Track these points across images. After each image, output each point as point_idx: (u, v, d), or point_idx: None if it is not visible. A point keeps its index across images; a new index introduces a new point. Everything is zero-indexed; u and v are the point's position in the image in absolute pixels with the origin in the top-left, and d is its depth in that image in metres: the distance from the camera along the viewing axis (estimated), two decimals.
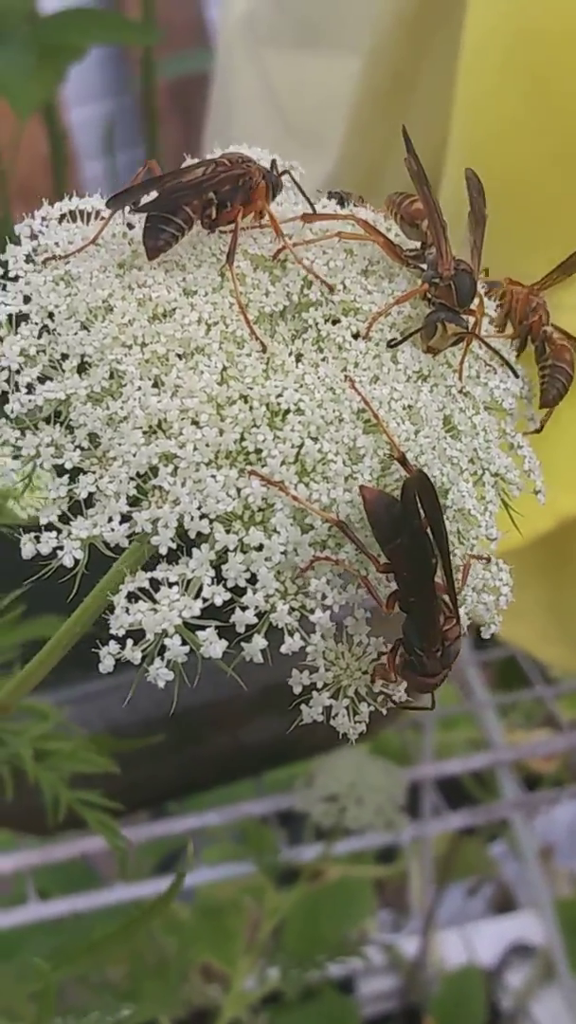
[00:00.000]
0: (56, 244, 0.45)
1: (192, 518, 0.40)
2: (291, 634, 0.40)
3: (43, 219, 0.46)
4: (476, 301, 0.46)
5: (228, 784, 1.21)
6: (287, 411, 0.41)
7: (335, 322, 0.44)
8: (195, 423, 0.40)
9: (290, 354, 0.43)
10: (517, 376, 0.48)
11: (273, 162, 0.48)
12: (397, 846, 1.45)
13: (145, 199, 0.45)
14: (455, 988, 1.42)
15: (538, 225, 0.81)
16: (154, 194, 0.45)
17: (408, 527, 0.40)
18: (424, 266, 0.46)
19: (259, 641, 0.40)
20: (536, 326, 0.50)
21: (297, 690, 0.42)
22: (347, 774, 1.08)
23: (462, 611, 0.43)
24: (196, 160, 0.47)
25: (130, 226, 0.46)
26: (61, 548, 0.40)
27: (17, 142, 1.03)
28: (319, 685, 0.42)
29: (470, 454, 0.44)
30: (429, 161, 0.83)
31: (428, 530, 0.40)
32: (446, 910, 1.53)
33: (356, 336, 0.44)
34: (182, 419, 0.40)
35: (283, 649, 0.40)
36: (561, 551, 0.93)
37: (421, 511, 0.40)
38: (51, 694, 0.97)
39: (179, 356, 0.42)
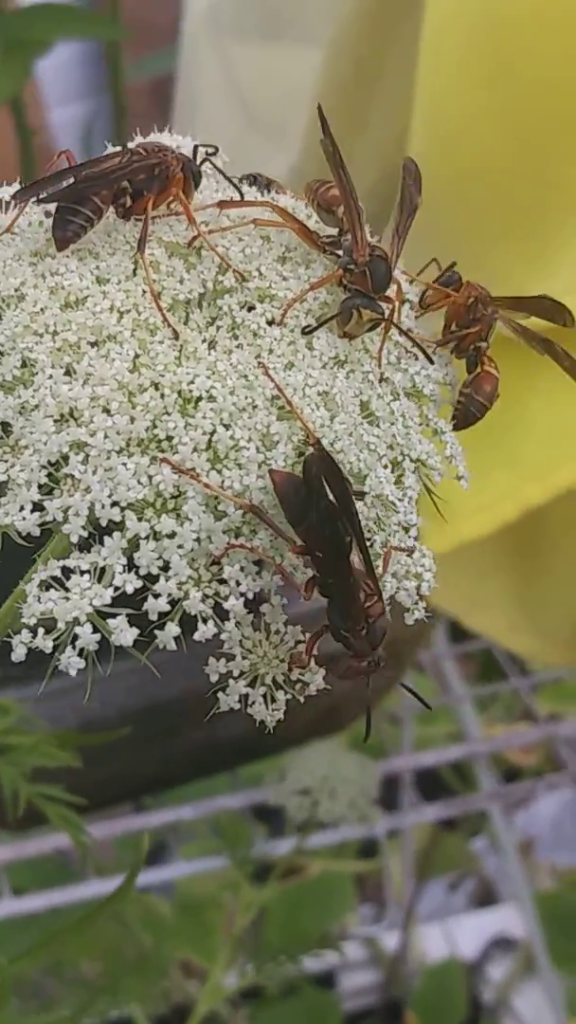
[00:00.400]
0: None
1: (103, 506, 0.39)
2: (204, 621, 0.40)
3: None
4: (394, 288, 0.46)
5: (203, 779, 1.21)
6: (199, 398, 0.41)
7: (250, 309, 0.44)
8: (106, 411, 0.40)
9: (203, 341, 0.43)
10: (432, 363, 0.47)
11: (195, 149, 0.48)
12: (378, 841, 1.46)
13: (55, 189, 0.44)
14: (436, 982, 1.42)
15: (502, 212, 0.81)
16: (68, 183, 0.44)
17: (315, 505, 0.39)
18: (340, 252, 0.46)
19: (172, 629, 0.40)
20: (469, 338, 0.49)
21: (214, 678, 0.41)
22: (320, 767, 1.08)
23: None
24: (114, 149, 0.47)
25: (48, 214, 0.46)
26: None
27: None
28: (235, 673, 0.41)
29: (388, 440, 0.44)
30: (394, 153, 0.83)
31: (338, 508, 0.40)
32: (428, 905, 1.54)
33: (271, 323, 0.44)
34: (93, 407, 0.40)
35: (196, 636, 0.40)
36: (529, 543, 0.93)
37: (327, 489, 0.39)
38: (21, 690, 0.97)
39: (91, 344, 0.42)
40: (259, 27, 1.00)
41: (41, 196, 0.44)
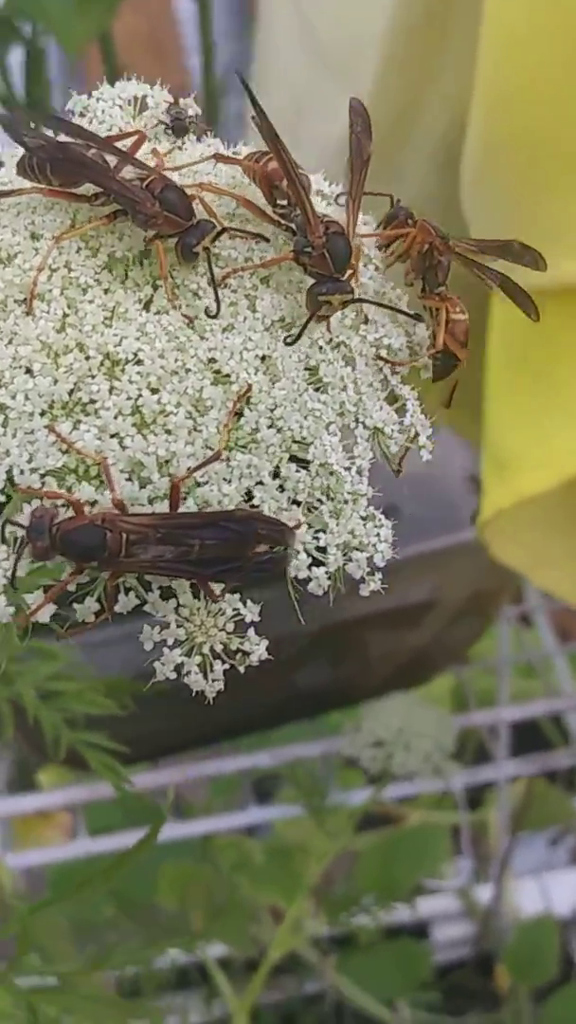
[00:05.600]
0: None
1: (22, 471, 0.38)
2: (126, 592, 0.39)
3: None
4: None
5: (282, 727, 1.21)
6: (126, 360, 0.39)
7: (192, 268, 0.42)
8: (28, 372, 0.39)
9: (138, 301, 0.41)
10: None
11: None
12: (479, 794, 1.45)
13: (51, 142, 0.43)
14: (529, 937, 1.40)
15: (564, 166, 0.77)
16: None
17: None
18: (293, 226, 0.43)
19: (91, 604, 0.39)
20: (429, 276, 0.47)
21: (148, 647, 0.40)
22: (396, 720, 1.07)
23: (322, 571, 0.41)
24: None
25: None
26: None
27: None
28: (170, 642, 0.40)
29: (337, 407, 0.42)
30: (465, 101, 0.80)
31: None
32: (529, 860, 1.52)
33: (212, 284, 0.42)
34: (15, 368, 0.39)
35: (116, 608, 0.39)
36: None
37: None
38: (89, 634, 0.98)
39: (19, 302, 0.40)
40: None
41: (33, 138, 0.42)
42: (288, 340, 0.42)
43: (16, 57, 1.10)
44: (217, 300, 0.41)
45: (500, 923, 1.42)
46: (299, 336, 0.42)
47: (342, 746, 1.09)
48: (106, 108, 0.46)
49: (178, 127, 0.46)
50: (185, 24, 1.88)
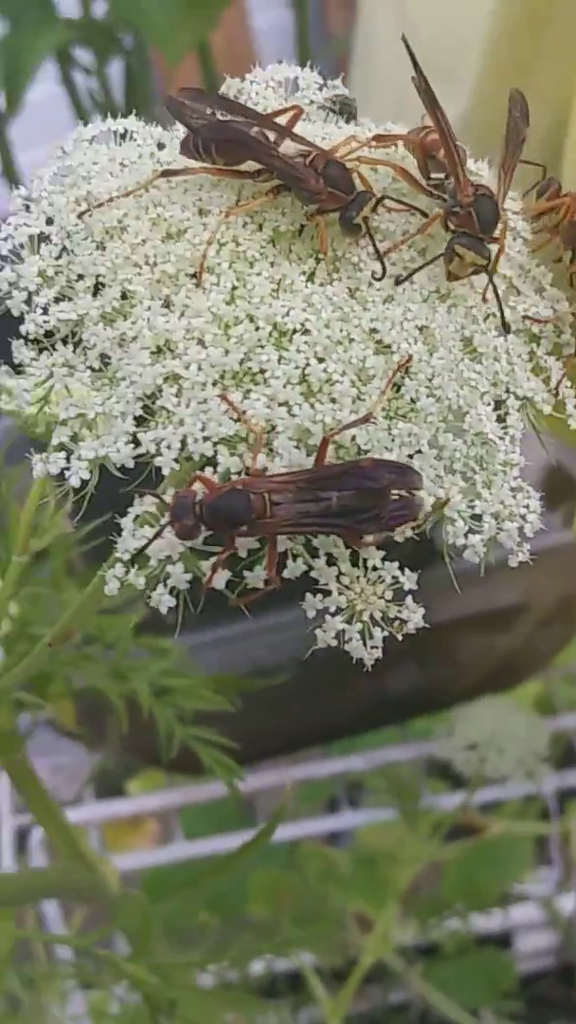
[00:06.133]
0: (80, 165, 0.45)
1: (196, 440, 0.39)
2: (294, 558, 0.40)
3: (75, 140, 0.46)
4: (500, 227, 0.45)
5: (372, 731, 1.21)
6: (294, 331, 0.40)
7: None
8: (201, 343, 0.40)
9: (302, 273, 0.42)
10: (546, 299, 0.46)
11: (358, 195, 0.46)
12: (563, 803, 1.44)
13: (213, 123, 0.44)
14: None
15: None
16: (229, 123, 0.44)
17: None
18: (446, 196, 0.44)
19: (260, 572, 0.40)
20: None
21: (311, 614, 0.41)
22: (489, 723, 1.07)
23: (478, 538, 0.42)
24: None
25: (160, 146, 0.46)
26: (69, 468, 0.40)
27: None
28: (332, 609, 0.41)
29: (491, 377, 0.43)
30: (565, 102, 0.81)
31: None
32: None
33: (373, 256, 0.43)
34: (188, 339, 0.40)
35: (285, 574, 0.40)
36: None
37: None
38: (194, 635, 0.99)
39: (189, 276, 0.42)
40: None
41: (197, 119, 0.44)
42: (398, 280, 0.43)
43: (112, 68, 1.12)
44: (383, 265, 0.42)
45: None
46: (416, 271, 0.43)
47: (435, 749, 1.10)
48: (259, 90, 0.48)
49: (344, 109, 0.47)
50: (261, 37, 1.89)
